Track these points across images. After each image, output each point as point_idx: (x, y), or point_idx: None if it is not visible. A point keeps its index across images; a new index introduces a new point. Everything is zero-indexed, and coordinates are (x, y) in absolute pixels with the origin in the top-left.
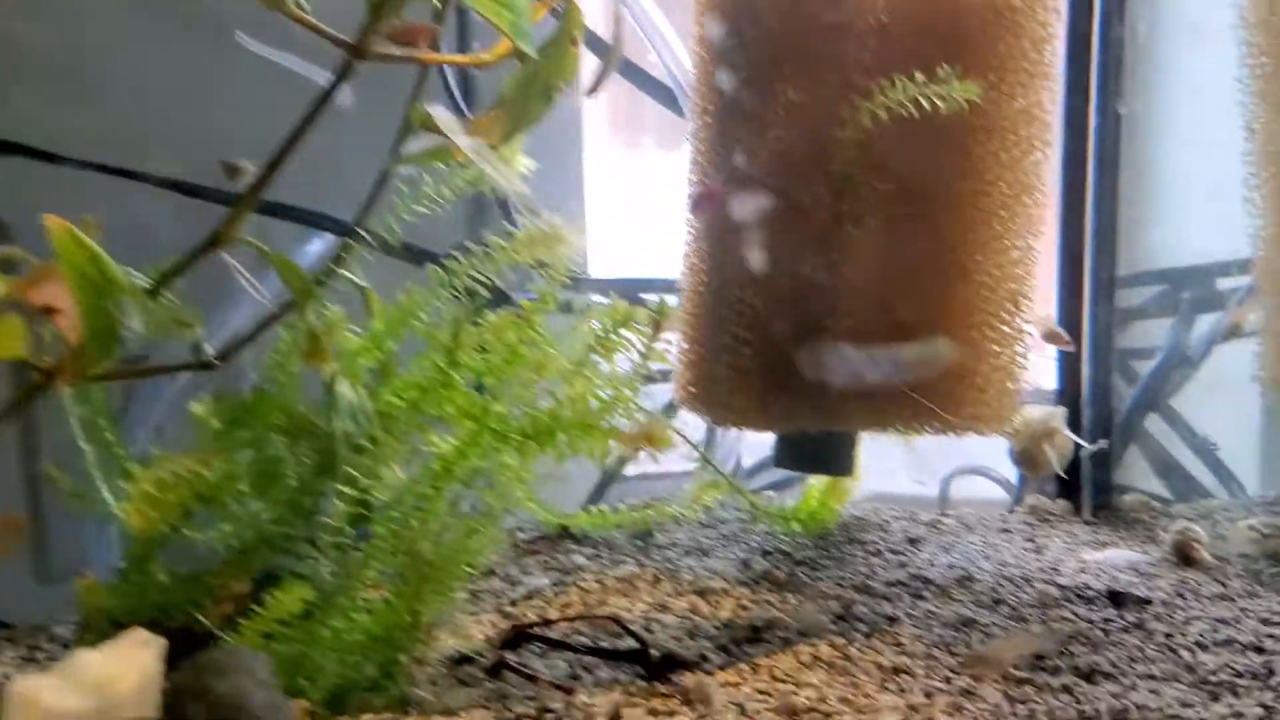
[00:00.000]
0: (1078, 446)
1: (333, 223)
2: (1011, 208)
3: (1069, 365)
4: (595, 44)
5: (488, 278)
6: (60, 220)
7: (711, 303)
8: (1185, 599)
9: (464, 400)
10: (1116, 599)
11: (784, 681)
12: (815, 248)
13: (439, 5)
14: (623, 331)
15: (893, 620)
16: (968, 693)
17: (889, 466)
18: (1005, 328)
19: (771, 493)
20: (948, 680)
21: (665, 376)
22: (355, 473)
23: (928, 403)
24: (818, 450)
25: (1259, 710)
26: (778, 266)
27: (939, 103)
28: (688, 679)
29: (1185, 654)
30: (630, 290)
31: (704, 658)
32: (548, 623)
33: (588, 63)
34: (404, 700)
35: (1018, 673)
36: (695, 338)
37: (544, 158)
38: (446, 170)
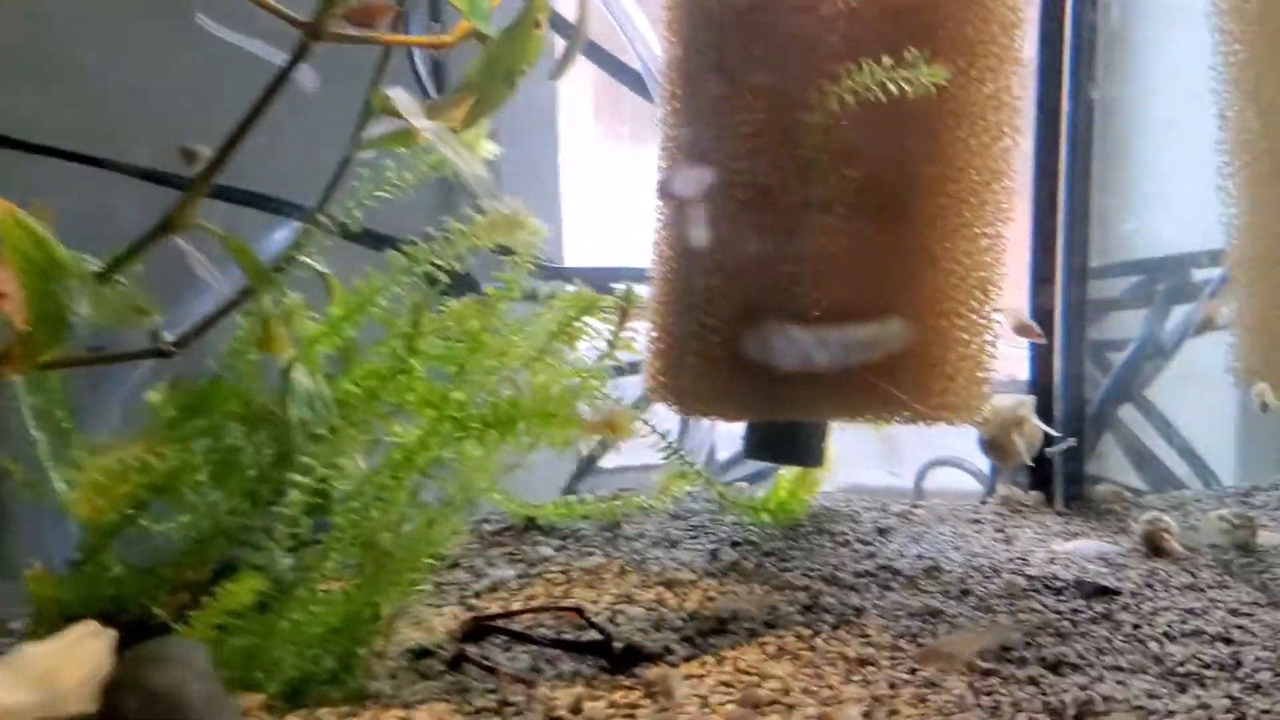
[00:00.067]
0: (1048, 437)
1: (296, 209)
2: (981, 194)
3: (1041, 355)
4: (565, 29)
5: (452, 263)
6: (3, 203)
7: (679, 290)
8: (1154, 589)
9: (424, 388)
10: (1085, 589)
11: (748, 673)
12: (782, 234)
13: None
14: (586, 319)
15: (860, 611)
16: (932, 684)
17: (864, 458)
18: (974, 316)
19: (743, 484)
20: (913, 671)
21: (635, 368)
22: (312, 462)
23: (896, 392)
24: (787, 441)
25: (1226, 702)
26: (745, 253)
27: (906, 87)
28: (651, 671)
29: (1153, 645)
30: (605, 279)
31: (668, 650)
32: (510, 615)
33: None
34: (362, 693)
35: (984, 664)
36: (664, 326)
37: (517, 145)
38: (410, 155)
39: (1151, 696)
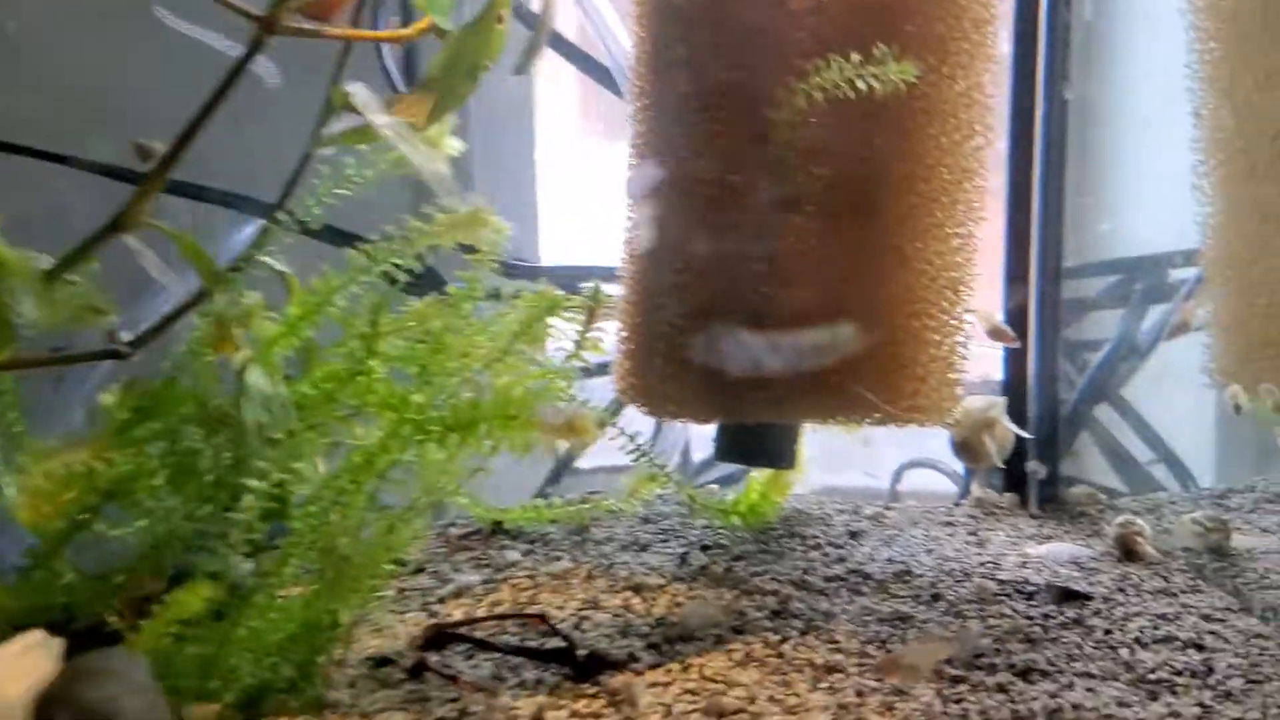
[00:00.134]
0: (1019, 439)
1: (267, 207)
2: (952, 194)
3: (1015, 356)
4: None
5: (412, 262)
6: None
7: (648, 290)
8: (1126, 594)
9: (384, 390)
10: (1056, 594)
11: (714, 681)
12: (750, 233)
13: None
14: (551, 319)
15: (829, 617)
16: (900, 692)
17: (841, 459)
18: (946, 317)
19: (714, 486)
20: (881, 679)
21: (605, 369)
22: (268, 466)
23: (867, 394)
24: (758, 442)
25: (1196, 710)
26: (712, 252)
27: (875, 84)
28: (615, 679)
29: (1124, 651)
30: (579, 277)
31: (633, 657)
32: (472, 622)
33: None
34: (320, 703)
35: (953, 670)
36: (633, 326)
37: (491, 142)
38: (371, 152)
39: (1122, 704)
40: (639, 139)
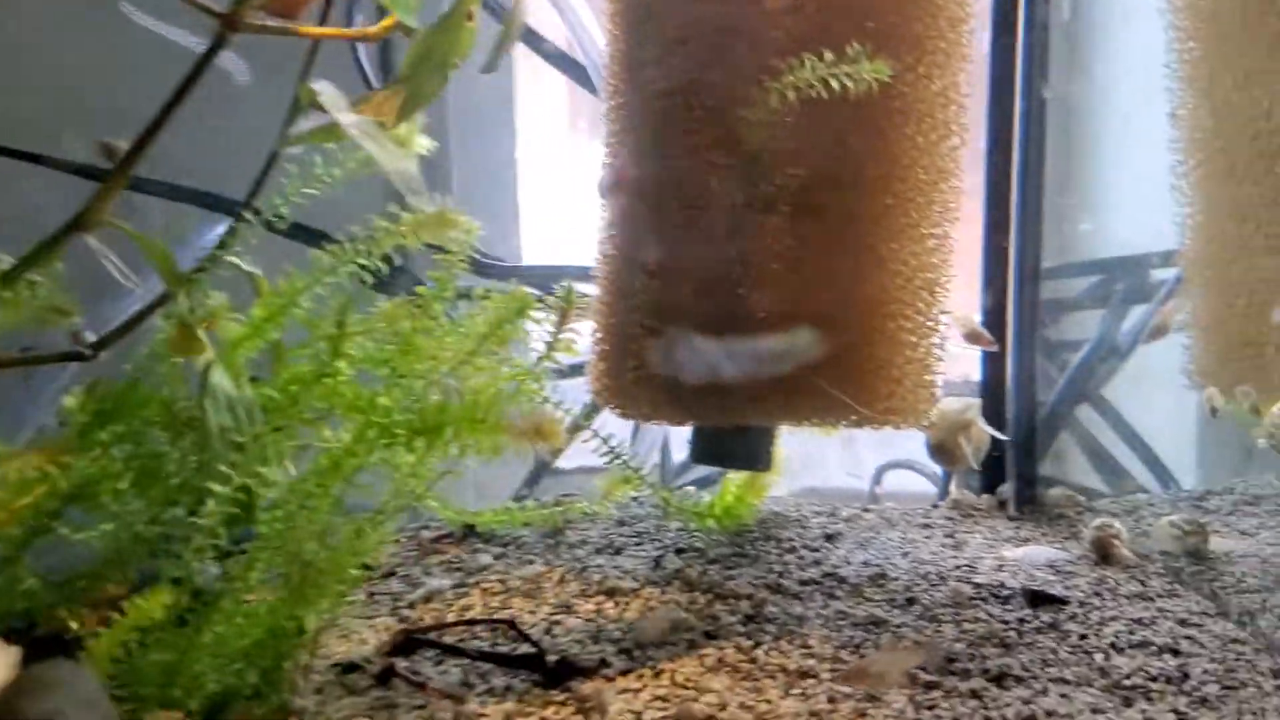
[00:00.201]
0: (997, 440)
1: (228, 204)
2: (928, 194)
3: (993, 357)
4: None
5: (378, 263)
6: None
7: (622, 291)
8: (1103, 598)
9: (352, 393)
10: (1031, 598)
11: (685, 687)
12: (724, 234)
13: None
14: (520, 320)
15: (803, 621)
16: (872, 698)
17: (823, 460)
18: (921, 318)
19: (690, 488)
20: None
21: (579, 370)
22: (229, 471)
23: (842, 396)
24: (733, 444)
25: (1171, 716)
26: (686, 253)
27: (849, 83)
28: (585, 686)
29: (1099, 656)
30: (555, 278)
31: (604, 662)
32: (441, 627)
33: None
34: (286, 710)
35: (926, 676)
36: (607, 328)
37: (471, 141)
38: (340, 150)
39: (1096, 711)
40: (612, 138)
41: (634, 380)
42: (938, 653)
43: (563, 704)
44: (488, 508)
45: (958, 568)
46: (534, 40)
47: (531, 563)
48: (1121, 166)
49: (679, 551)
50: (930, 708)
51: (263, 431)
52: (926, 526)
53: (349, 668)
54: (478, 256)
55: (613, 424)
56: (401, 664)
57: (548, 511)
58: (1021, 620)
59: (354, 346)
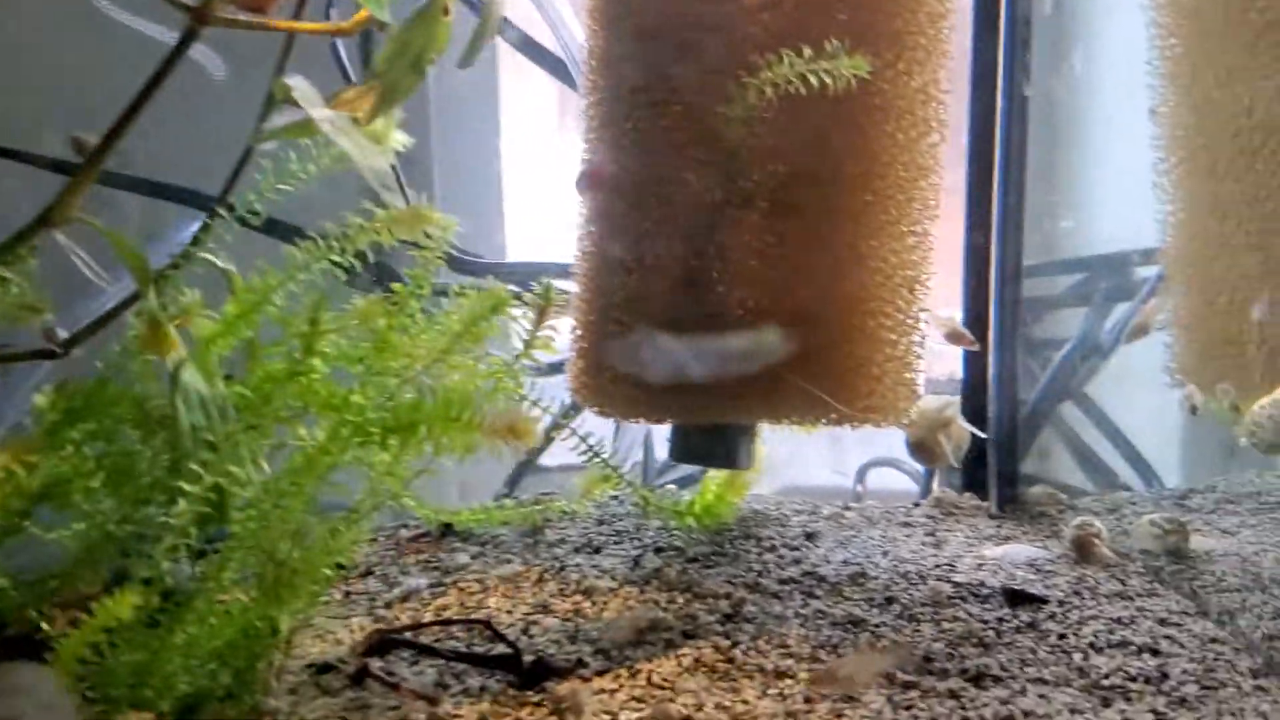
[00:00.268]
0: (979, 438)
1: (206, 201)
2: (907, 191)
3: (975, 356)
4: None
5: (358, 259)
6: None
7: (600, 289)
8: (1082, 597)
9: (326, 391)
10: (1011, 597)
11: (662, 688)
12: (702, 231)
13: None
14: (495, 317)
15: (781, 620)
16: (849, 698)
17: (808, 458)
18: (901, 316)
19: (672, 486)
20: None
21: (558, 369)
22: (200, 470)
23: (821, 394)
24: (714, 443)
25: (1150, 717)
26: (664, 250)
27: (827, 79)
28: (561, 686)
29: (1078, 656)
30: (535, 275)
31: (581, 662)
32: (417, 627)
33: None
34: (258, 711)
35: (904, 676)
36: (586, 326)
37: (454, 137)
38: (314, 145)
39: (1074, 711)
40: (591, 134)
41: (612, 378)
42: (907, 655)
43: (538, 705)
44: (465, 506)
45: (937, 566)
46: (512, 34)
47: (509, 562)
48: (1104, 163)
49: (658, 550)
50: (908, 708)
51: (235, 430)
52: (907, 525)
53: (323, 668)
54: (455, 253)
55: (597, 422)
56: (376, 664)
57: (526, 510)
58: (1000, 620)
59: (328, 344)
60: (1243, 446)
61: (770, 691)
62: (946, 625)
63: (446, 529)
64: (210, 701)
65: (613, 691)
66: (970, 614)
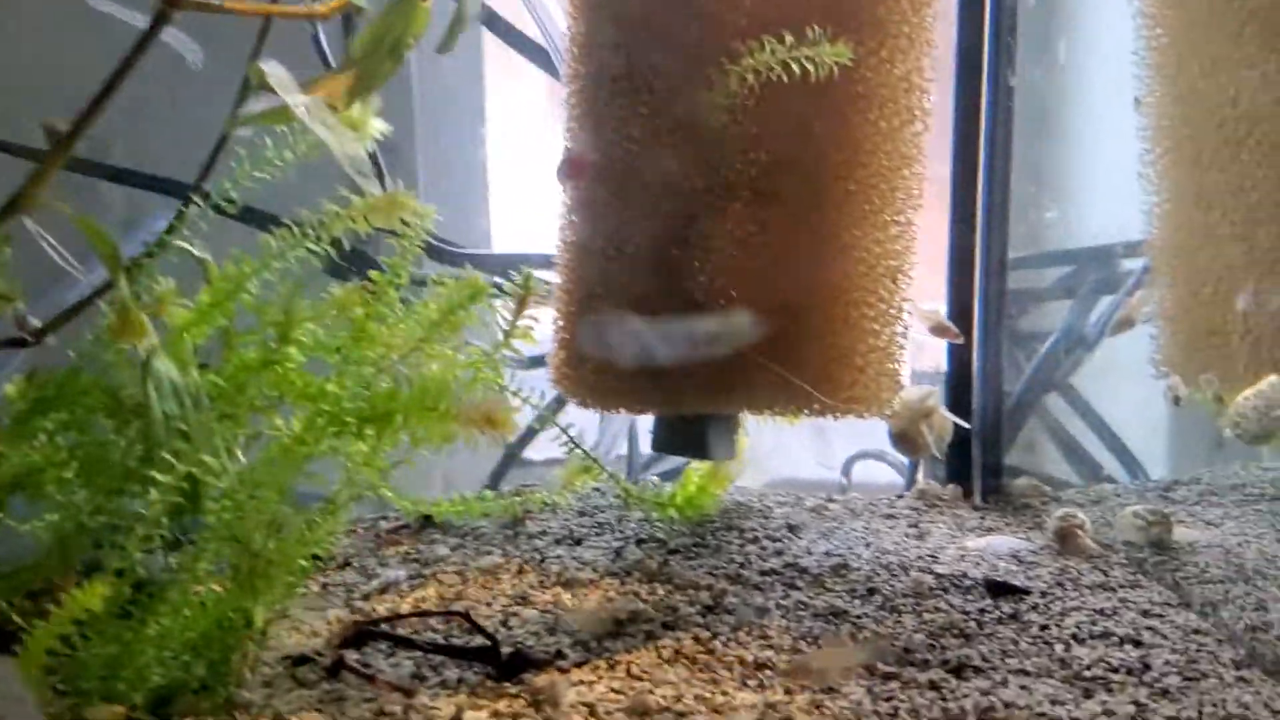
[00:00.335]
0: (964, 429)
1: (179, 187)
2: (890, 180)
3: (959, 348)
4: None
5: (334, 247)
6: None
7: (581, 279)
8: (1064, 588)
9: (302, 380)
10: (993, 588)
11: (641, 679)
12: (683, 220)
13: None
14: (473, 307)
15: (762, 612)
16: (829, 689)
17: (796, 451)
18: (884, 306)
19: (656, 479)
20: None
21: (540, 362)
22: (171, 459)
23: (803, 384)
24: (696, 434)
25: (1131, 708)
26: (645, 239)
27: (810, 67)
28: (539, 678)
29: (1059, 647)
30: (516, 265)
31: (560, 654)
32: (394, 619)
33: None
34: (232, 703)
35: (885, 667)
36: (568, 316)
37: (440, 130)
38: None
39: (1055, 702)
40: (572, 122)
41: (594, 369)
42: (882, 648)
43: (515, 697)
44: (444, 498)
45: (920, 558)
46: (494, 24)
47: (490, 554)
48: (1092, 155)
49: (640, 542)
50: (888, 699)
51: (208, 419)
52: (891, 517)
53: (299, 660)
54: (434, 242)
55: (583, 414)
56: (352, 656)
57: (506, 502)
58: (982, 611)
59: (305, 333)
60: (1228, 438)
61: (750, 683)
62: (928, 616)
63: (426, 521)
64: (183, 694)
65: (591, 683)
66: (952, 605)
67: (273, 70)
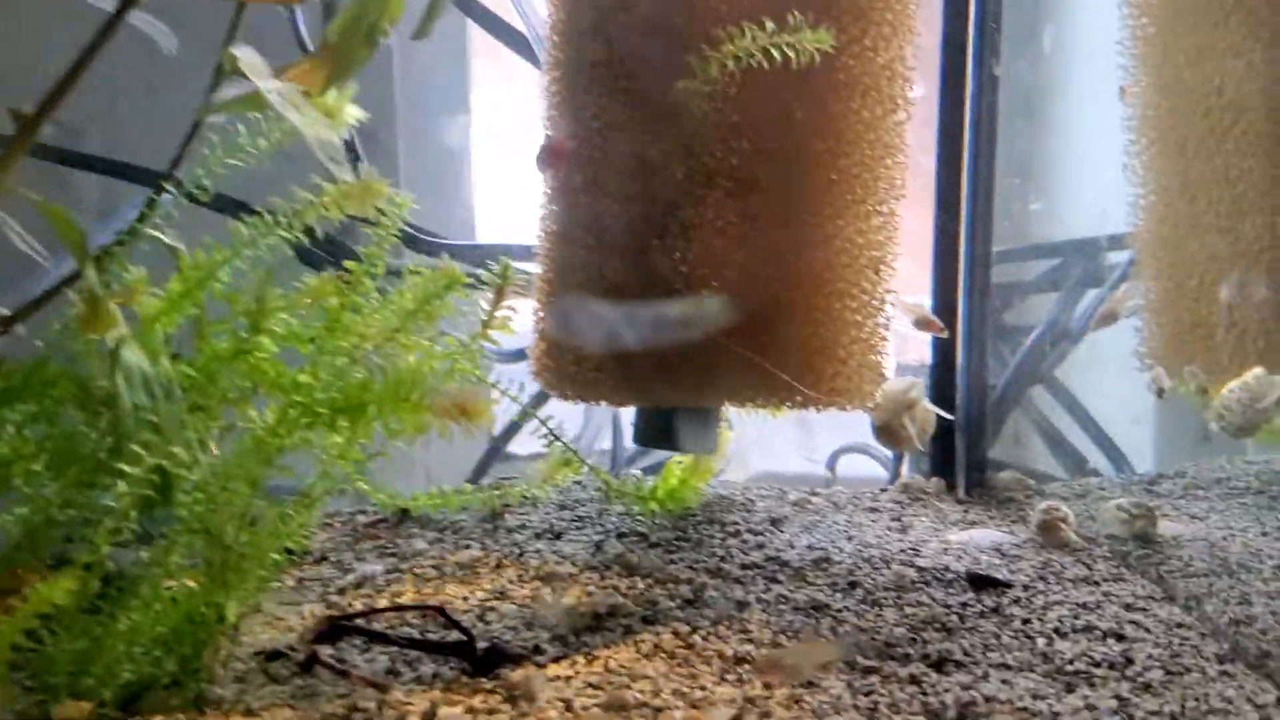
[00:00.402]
0: (949, 423)
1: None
2: (873, 170)
3: (943, 341)
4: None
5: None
6: None
7: (561, 269)
8: (1047, 582)
9: (275, 371)
10: (975, 582)
11: (619, 674)
12: (664, 210)
13: None
14: (447, 296)
15: (743, 605)
16: (809, 684)
17: (779, 446)
18: (867, 297)
19: (637, 472)
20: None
21: (523, 356)
22: (141, 450)
23: (785, 376)
24: (678, 427)
25: (1113, 702)
26: (624, 228)
27: (790, 53)
28: (515, 673)
29: (1042, 641)
30: (495, 256)
31: (538, 649)
32: (369, 613)
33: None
34: (203, 699)
35: (865, 661)
36: (548, 306)
37: (422, 121)
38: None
39: (1036, 697)
40: (552, 110)
41: (574, 361)
42: (859, 643)
43: (491, 692)
44: (422, 491)
45: (902, 551)
46: (473, 10)
47: (468, 548)
48: (1078, 146)
49: (620, 536)
50: (868, 693)
51: (179, 410)
52: (874, 510)
53: (272, 655)
54: (411, 231)
55: (567, 409)
56: (326, 651)
57: (484, 495)
58: (964, 604)
59: (278, 323)
60: (1214, 431)
61: (729, 677)
62: (909, 610)
63: (404, 515)
64: (154, 690)
65: (568, 678)
66: (934, 599)
67: (245, 55)
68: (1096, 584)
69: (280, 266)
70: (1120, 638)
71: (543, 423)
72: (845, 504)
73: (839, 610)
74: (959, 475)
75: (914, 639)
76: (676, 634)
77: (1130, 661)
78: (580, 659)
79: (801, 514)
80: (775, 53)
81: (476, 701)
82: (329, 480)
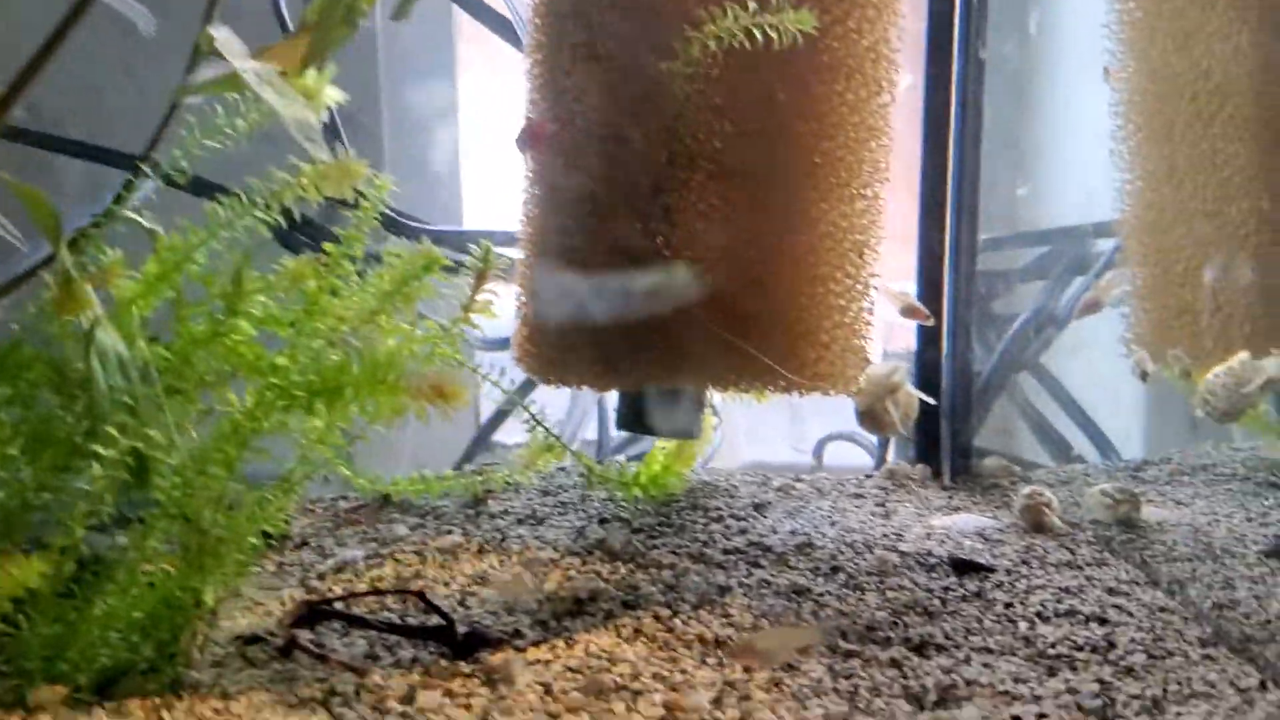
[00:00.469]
0: (933, 409)
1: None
2: (857, 152)
3: (929, 328)
4: None
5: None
6: None
7: (542, 252)
8: (1030, 566)
9: (252, 353)
10: (957, 566)
11: (598, 658)
12: (646, 192)
13: None
14: (425, 279)
15: (724, 590)
16: (790, 667)
17: (767, 434)
18: (851, 281)
19: (621, 458)
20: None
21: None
22: (116, 433)
23: (767, 360)
24: (661, 412)
25: (1095, 686)
26: (605, 211)
27: (773, 34)
28: (495, 657)
29: (1024, 625)
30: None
31: (518, 633)
32: (349, 597)
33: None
34: (180, 683)
35: (846, 644)
36: (530, 291)
37: (407, 104)
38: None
39: (1018, 680)
40: (534, 92)
41: (556, 345)
42: (837, 628)
43: (470, 676)
44: (403, 476)
45: (885, 536)
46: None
47: (450, 533)
48: (1065, 130)
49: (603, 521)
50: (848, 677)
51: (155, 392)
52: (858, 496)
53: (251, 640)
54: (392, 215)
55: (553, 395)
56: (305, 636)
57: (466, 480)
58: (946, 589)
59: (255, 305)
60: (1200, 417)
61: (709, 661)
62: (891, 594)
63: (386, 500)
64: (130, 674)
65: (548, 662)
66: (916, 583)
67: (222, 36)
68: (1079, 569)
69: (259, 250)
70: (1103, 622)
71: (525, 408)
72: (829, 490)
73: (820, 594)
74: (944, 461)
75: (895, 623)
76: (657, 618)
77: (1113, 645)
78: (560, 643)
79: (785, 500)
80: (758, 34)
81: (455, 685)
82: (308, 465)
